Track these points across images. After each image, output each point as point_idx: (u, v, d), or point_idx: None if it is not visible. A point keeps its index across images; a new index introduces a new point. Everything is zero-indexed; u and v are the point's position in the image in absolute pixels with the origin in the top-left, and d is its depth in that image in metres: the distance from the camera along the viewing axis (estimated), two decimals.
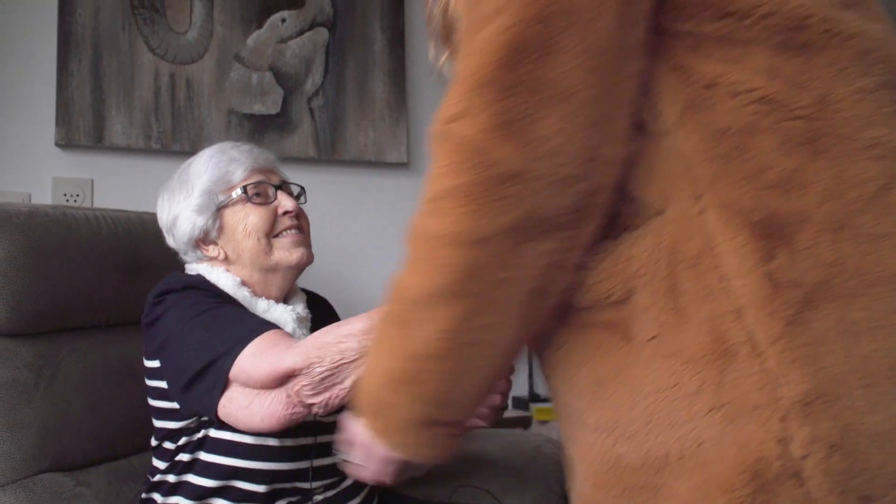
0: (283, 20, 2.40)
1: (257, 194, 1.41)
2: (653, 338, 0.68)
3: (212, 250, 1.42)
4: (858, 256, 0.62)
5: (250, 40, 2.35)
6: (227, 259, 1.42)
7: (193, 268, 1.44)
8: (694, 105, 0.68)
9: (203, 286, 1.35)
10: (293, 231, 1.44)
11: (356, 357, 1.09)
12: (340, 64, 2.47)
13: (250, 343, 1.18)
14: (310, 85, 2.43)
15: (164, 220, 1.46)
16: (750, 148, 0.66)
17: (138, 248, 1.69)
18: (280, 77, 2.39)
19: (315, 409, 1.14)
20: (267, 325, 1.24)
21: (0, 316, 1.44)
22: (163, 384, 1.32)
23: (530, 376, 2.66)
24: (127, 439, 1.57)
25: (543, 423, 2.42)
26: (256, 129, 2.32)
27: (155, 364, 1.33)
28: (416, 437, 0.80)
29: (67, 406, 1.49)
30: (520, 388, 2.70)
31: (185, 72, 2.27)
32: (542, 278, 0.70)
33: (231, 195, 1.41)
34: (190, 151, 2.12)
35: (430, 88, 2.64)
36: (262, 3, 2.37)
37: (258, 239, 1.40)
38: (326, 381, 1.11)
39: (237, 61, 2.33)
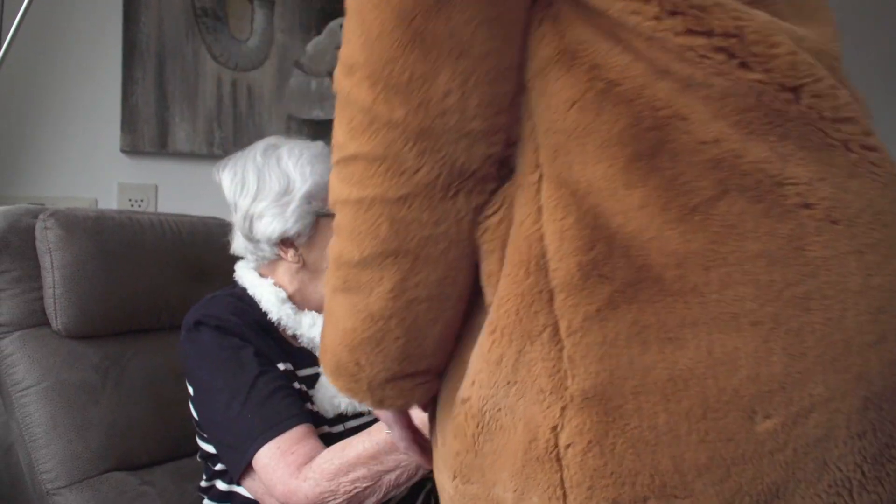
0: (342, 26, 2.42)
1: None
2: (490, 305, 0.68)
3: (291, 255, 1.37)
4: (660, 268, 0.60)
5: (310, 47, 2.38)
6: (303, 267, 1.38)
7: (242, 275, 1.41)
8: (553, 63, 0.64)
9: (237, 320, 1.30)
10: None
11: (369, 485, 1.13)
12: None
13: (273, 439, 1.18)
14: None
15: (240, 215, 1.38)
16: (593, 131, 0.62)
17: (201, 252, 1.71)
18: None
19: None
20: (292, 416, 1.21)
21: (68, 318, 1.47)
22: (195, 415, 1.33)
23: None
24: (191, 439, 1.59)
25: None
26: (315, 134, 2.34)
27: (190, 390, 1.33)
28: (384, 392, 0.78)
29: (133, 406, 1.52)
30: None
31: (247, 79, 2.30)
32: (468, 233, 0.68)
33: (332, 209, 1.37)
34: None
35: None
36: (322, 9, 2.40)
37: None
38: None
39: (297, 68, 2.36)
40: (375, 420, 1.30)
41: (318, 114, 2.37)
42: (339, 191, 0.69)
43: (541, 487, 0.63)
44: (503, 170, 0.67)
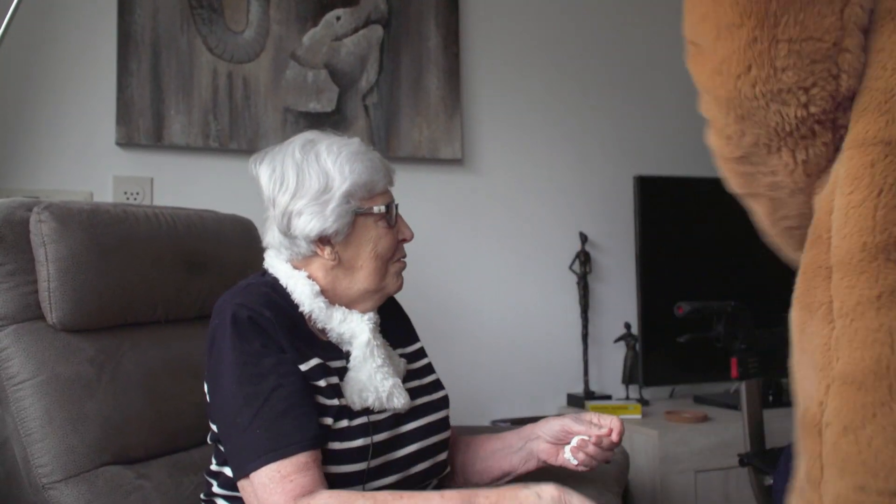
0: (338, 18, 2.41)
1: (390, 216, 1.40)
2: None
3: (327, 252, 1.37)
4: None
5: (306, 38, 2.37)
6: (339, 264, 1.38)
7: (273, 264, 1.40)
8: (889, 13, 0.61)
9: (270, 314, 1.30)
10: (402, 259, 1.45)
11: None
12: (395, 61, 2.48)
13: (274, 462, 1.19)
14: (364, 82, 2.44)
15: (279, 211, 1.36)
16: None
17: (197, 245, 1.71)
18: (335, 75, 2.40)
19: None
20: (297, 442, 1.22)
21: (63, 312, 1.47)
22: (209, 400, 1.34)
23: (586, 373, 2.63)
24: (187, 432, 1.59)
25: None
26: (312, 126, 2.33)
27: (208, 372, 1.33)
28: None
29: (129, 400, 1.51)
30: (575, 385, 2.68)
31: (242, 71, 2.29)
32: (807, 180, 0.68)
33: (372, 208, 1.38)
34: (247, 150, 2.15)
35: (483, 85, 2.63)
36: (318, 1, 2.39)
37: (382, 263, 1.40)
38: None
39: (293, 59, 2.35)
40: (395, 415, 1.35)
41: (314, 106, 2.36)
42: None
43: (808, 455, 0.65)
44: (841, 119, 0.64)
